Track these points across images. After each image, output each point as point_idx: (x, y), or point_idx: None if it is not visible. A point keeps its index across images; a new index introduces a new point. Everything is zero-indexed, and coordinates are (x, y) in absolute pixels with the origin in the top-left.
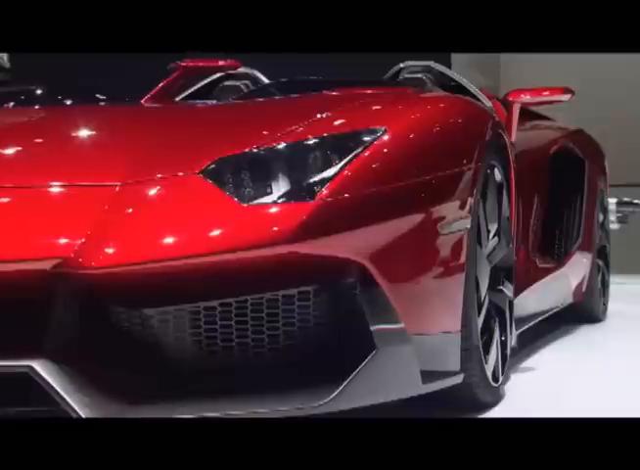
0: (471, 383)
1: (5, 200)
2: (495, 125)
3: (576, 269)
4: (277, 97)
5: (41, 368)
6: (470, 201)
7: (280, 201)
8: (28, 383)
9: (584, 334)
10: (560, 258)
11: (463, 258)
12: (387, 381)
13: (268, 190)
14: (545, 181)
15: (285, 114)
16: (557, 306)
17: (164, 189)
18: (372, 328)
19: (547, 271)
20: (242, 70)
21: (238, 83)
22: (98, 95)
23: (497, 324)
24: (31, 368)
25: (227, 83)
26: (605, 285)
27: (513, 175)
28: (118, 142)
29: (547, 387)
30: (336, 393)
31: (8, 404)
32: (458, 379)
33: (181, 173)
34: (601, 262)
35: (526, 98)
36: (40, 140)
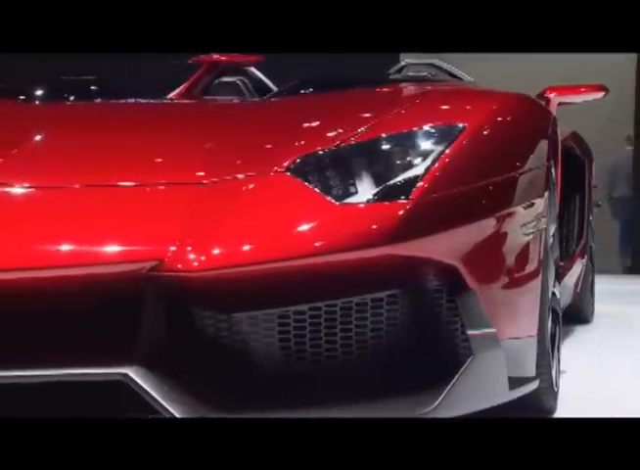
0: (541, 388)
1: (89, 200)
2: (554, 122)
3: (576, 270)
4: (327, 93)
5: (136, 375)
6: (544, 200)
7: (373, 200)
8: (120, 389)
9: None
10: (563, 259)
11: (540, 260)
12: (480, 388)
13: (353, 189)
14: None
15: (354, 110)
16: (563, 308)
17: (254, 188)
18: (469, 333)
19: (563, 272)
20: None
21: (234, 79)
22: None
23: (557, 328)
24: (126, 375)
25: (223, 80)
26: (593, 286)
27: (560, 173)
28: (188, 140)
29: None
30: (439, 400)
31: (102, 410)
32: (535, 385)
33: (266, 171)
34: (589, 263)
35: (564, 95)
36: (103, 138)
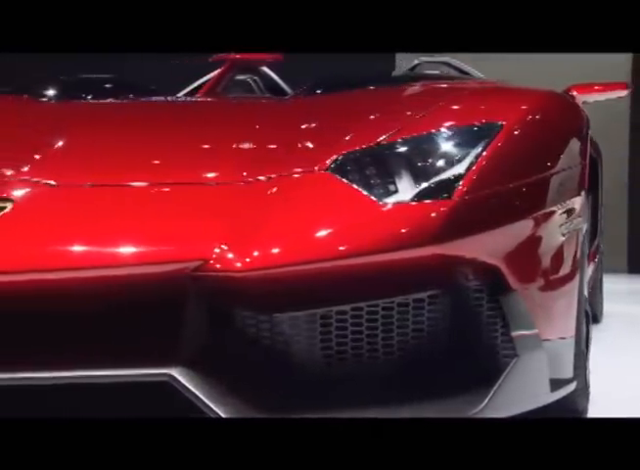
0: (576, 389)
1: (132, 199)
2: (587, 120)
3: (589, 270)
4: (357, 92)
5: (180, 375)
6: (581, 199)
7: (416, 199)
8: (164, 389)
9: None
10: None
11: (578, 259)
12: (524, 390)
13: (393, 187)
14: None
15: (389, 108)
16: None
17: (296, 186)
18: (512, 334)
19: None
20: None
21: (245, 78)
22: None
23: (589, 328)
24: (171, 376)
25: (235, 78)
26: (602, 285)
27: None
28: (225, 138)
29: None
30: (486, 400)
31: (146, 410)
32: (573, 386)
33: (307, 170)
34: (599, 263)
35: (588, 94)
36: (138, 136)
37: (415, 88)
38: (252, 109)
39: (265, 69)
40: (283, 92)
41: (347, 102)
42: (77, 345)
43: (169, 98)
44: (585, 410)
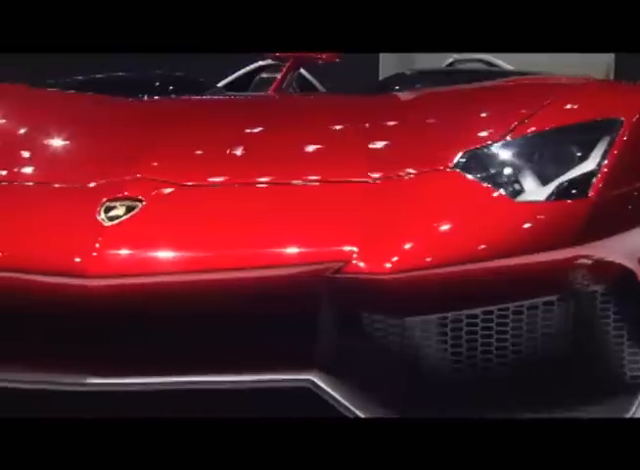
0: None
1: (261, 199)
2: None
3: None
4: (459, 87)
5: (319, 379)
6: None
7: (551, 198)
8: (304, 393)
9: None
10: None
11: None
12: None
13: (518, 186)
14: None
15: (498, 104)
16: None
17: (425, 185)
18: None
19: None
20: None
21: (276, 76)
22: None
23: None
24: (311, 381)
25: (264, 76)
26: None
27: None
28: (338, 136)
29: None
30: (634, 407)
31: (284, 412)
32: None
33: (434, 168)
34: None
35: None
36: (248, 135)
37: (513, 84)
38: (352, 106)
39: None
40: (316, 91)
41: (447, 99)
42: (217, 349)
43: (256, 94)
44: None
